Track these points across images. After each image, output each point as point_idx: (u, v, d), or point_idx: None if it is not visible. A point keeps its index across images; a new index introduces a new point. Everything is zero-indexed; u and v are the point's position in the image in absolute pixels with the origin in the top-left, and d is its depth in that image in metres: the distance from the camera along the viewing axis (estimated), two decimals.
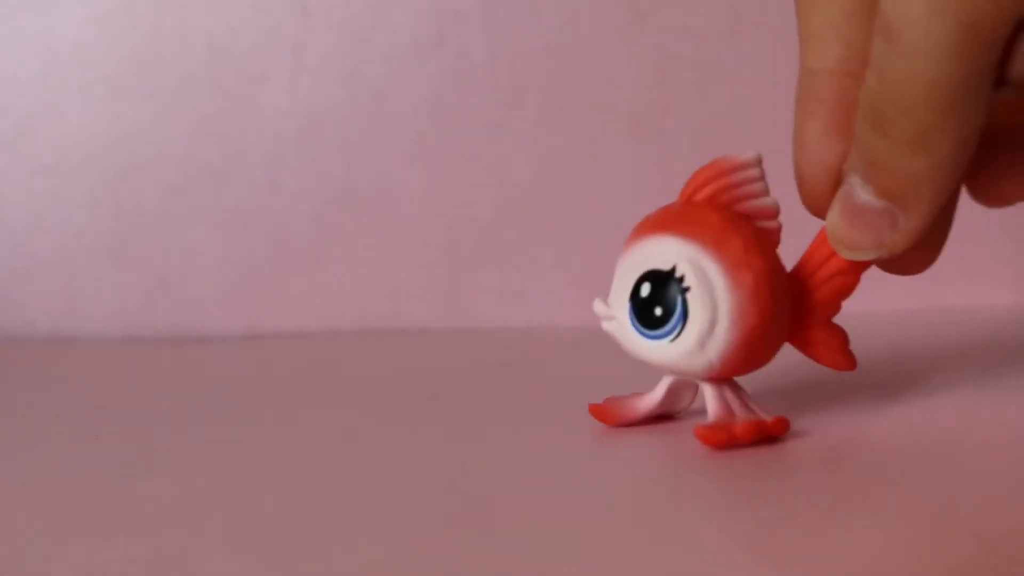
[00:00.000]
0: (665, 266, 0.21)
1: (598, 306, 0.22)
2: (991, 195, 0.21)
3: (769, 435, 0.21)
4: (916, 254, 0.21)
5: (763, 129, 0.47)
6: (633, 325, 0.21)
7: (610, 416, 0.23)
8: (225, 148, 0.42)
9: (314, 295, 0.43)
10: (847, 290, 0.22)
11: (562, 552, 0.16)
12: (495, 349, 0.37)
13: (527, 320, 0.45)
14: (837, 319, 0.23)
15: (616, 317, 0.22)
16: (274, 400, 0.28)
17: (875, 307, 0.44)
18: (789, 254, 0.22)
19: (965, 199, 0.22)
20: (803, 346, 0.23)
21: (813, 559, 0.15)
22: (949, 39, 0.17)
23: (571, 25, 0.44)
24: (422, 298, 0.44)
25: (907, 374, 0.28)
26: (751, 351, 0.21)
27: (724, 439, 0.21)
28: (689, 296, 0.20)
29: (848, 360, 0.23)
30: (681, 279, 0.20)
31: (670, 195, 0.22)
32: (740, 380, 0.23)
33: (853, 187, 0.20)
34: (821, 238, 0.22)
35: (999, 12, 0.17)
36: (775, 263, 0.21)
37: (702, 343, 0.21)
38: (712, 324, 0.20)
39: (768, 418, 0.21)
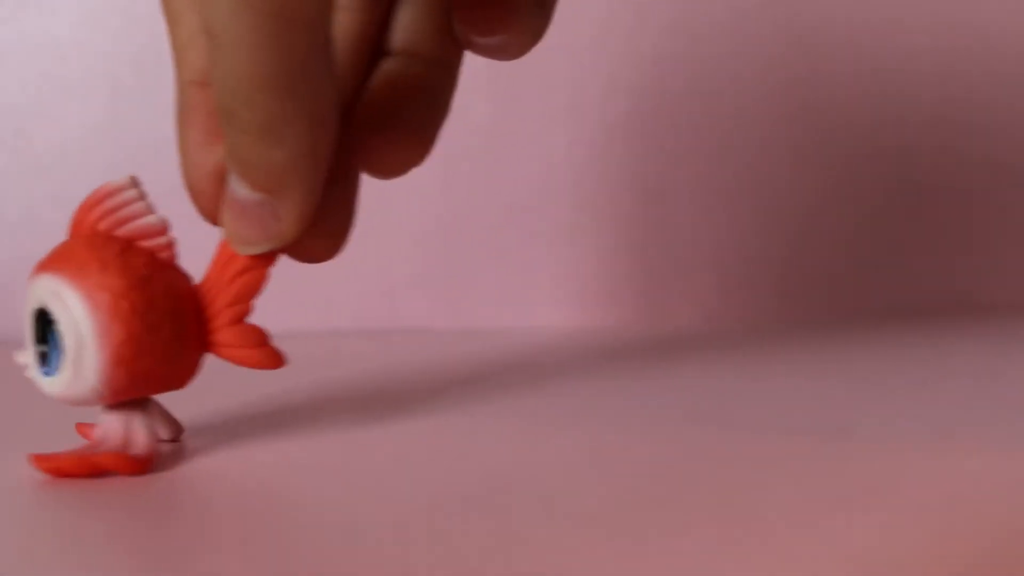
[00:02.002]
0: (39, 304, 0.21)
1: (18, 356, 0.22)
2: (379, 168, 0.22)
3: (105, 471, 0.21)
4: (318, 241, 0.21)
5: (764, 125, 0.47)
6: (37, 367, 0.21)
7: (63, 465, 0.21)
8: None
9: (314, 295, 0.43)
10: (255, 287, 0.22)
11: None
12: (495, 349, 0.37)
13: (527, 320, 0.45)
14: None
15: (29, 364, 0.22)
16: (273, 400, 0.28)
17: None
18: None
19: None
20: (220, 351, 0.22)
21: None
22: (255, 30, 0.17)
23: (571, 25, 0.44)
24: (422, 298, 0.44)
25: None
26: (133, 369, 0.21)
27: (52, 468, 0.21)
28: (58, 328, 0.21)
29: (269, 358, 0.22)
30: (49, 314, 0.21)
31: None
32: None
33: (234, 185, 0.20)
34: (223, 242, 0.22)
35: None
36: (151, 278, 0.21)
37: (78, 370, 0.21)
38: (80, 350, 0.21)
39: (157, 447, 0.21)
